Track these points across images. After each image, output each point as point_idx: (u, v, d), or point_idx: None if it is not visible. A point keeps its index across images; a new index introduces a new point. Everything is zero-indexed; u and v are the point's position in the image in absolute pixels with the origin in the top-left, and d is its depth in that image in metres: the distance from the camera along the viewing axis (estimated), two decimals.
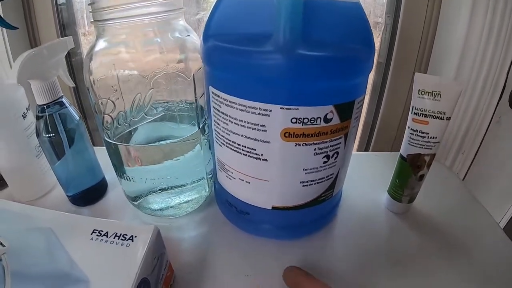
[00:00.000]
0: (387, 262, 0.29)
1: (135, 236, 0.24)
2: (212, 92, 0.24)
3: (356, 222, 0.33)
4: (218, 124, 0.25)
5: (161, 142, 0.29)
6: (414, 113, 0.29)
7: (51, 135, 0.32)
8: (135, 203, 0.33)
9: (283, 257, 0.29)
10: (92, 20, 0.26)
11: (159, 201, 0.32)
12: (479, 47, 0.36)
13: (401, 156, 0.31)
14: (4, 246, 0.26)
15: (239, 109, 0.22)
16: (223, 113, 0.24)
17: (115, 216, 0.35)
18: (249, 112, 0.22)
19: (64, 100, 0.33)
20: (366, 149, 0.53)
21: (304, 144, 0.23)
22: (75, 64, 0.55)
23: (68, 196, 0.37)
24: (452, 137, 0.41)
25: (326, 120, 0.23)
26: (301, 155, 0.24)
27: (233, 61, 0.22)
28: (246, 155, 0.24)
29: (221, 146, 0.26)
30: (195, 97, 0.28)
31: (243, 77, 0.22)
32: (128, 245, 0.24)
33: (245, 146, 0.24)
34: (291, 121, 0.22)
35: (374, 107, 0.49)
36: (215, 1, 0.24)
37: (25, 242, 0.26)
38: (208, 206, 0.34)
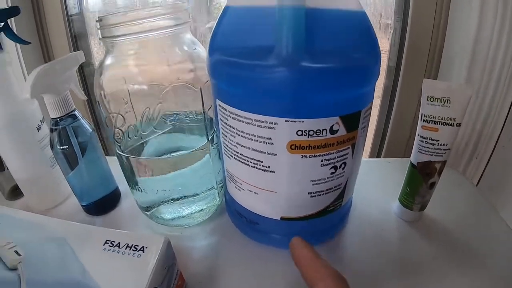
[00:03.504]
0: (398, 271, 0.28)
1: (146, 247, 0.25)
2: (219, 105, 0.25)
3: (367, 230, 0.32)
4: (226, 137, 0.26)
5: (171, 155, 0.29)
6: (424, 120, 0.29)
7: (65, 147, 0.33)
8: (147, 213, 0.34)
9: (293, 266, 0.29)
10: (101, 37, 0.27)
11: (170, 211, 0.32)
12: (490, 47, 0.35)
13: (411, 164, 0.31)
14: (20, 255, 0.27)
15: (245, 122, 0.23)
16: (230, 126, 0.24)
17: (128, 225, 0.36)
18: (255, 125, 0.22)
19: (76, 113, 0.35)
20: (378, 155, 0.52)
21: (310, 156, 0.23)
22: (88, 74, 0.56)
23: (82, 205, 0.38)
24: (465, 141, 0.40)
25: (332, 131, 0.23)
26: (308, 166, 0.24)
27: (237, 75, 0.22)
28: (253, 167, 0.25)
29: (229, 158, 0.26)
30: (203, 109, 0.28)
31: (247, 91, 0.22)
32: (139, 255, 0.24)
33: (252, 159, 0.24)
34: (297, 134, 0.22)
35: (385, 111, 0.49)
36: (219, 14, 0.25)
37: (40, 251, 0.27)
38: (219, 215, 0.35)
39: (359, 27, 0.23)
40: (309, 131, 0.22)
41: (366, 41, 0.23)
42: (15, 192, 0.44)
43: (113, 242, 0.26)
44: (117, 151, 0.30)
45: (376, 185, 0.38)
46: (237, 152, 0.25)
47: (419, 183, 0.31)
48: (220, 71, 0.24)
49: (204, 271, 0.29)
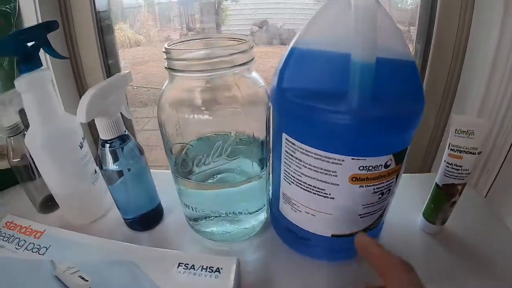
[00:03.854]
0: (428, 280, 0.33)
1: (221, 268, 0.27)
2: (286, 139, 0.28)
3: (396, 242, 0.36)
4: (290, 166, 0.29)
5: (222, 176, 0.32)
6: (451, 149, 0.33)
7: (114, 168, 0.34)
8: (195, 223, 0.36)
9: (338, 276, 0.33)
10: (166, 66, 0.29)
11: (220, 227, 0.35)
12: (508, 60, 0.39)
13: (437, 185, 0.36)
14: (87, 280, 0.28)
15: (314, 158, 0.26)
16: (296, 158, 0.28)
17: (174, 241, 0.38)
18: (323, 160, 0.26)
19: (127, 134, 0.36)
20: None
21: (366, 186, 0.27)
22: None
23: (126, 220, 0.40)
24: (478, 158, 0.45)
25: (386, 166, 0.27)
26: (362, 194, 0.28)
27: (310, 117, 0.25)
28: (315, 193, 0.28)
29: (290, 184, 0.30)
30: (266, 140, 0.31)
31: (319, 131, 0.25)
32: (216, 276, 0.27)
33: (315, 187, 0.28)
34: (359, 169, 0.26)
35: None
36: (286, 52, 0.28)
37: (108, 276, 0.28)
38: (265, 230, 0.38)
39: (411, 76, 0.26)
40: (368, 166, 0.26)
41: (416, 89, 0.26)
42: (47, 204, 0.44)
43: (187, 265, 0.28)
44: (179, 176, 0.32)
45: (400, 200, 0.42)
46: (300, 181, 0.28)
47: (443, 201, 0.35)
48: (291, 111, 0.27)
49: (257, 284, 0.32)
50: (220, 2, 0.65)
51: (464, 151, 0.33)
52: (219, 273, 0.27)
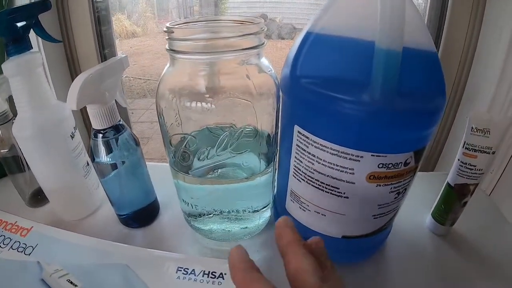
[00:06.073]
0: (437, 283, 0.32)
1: (225, 274, 0.25)
2: (299, 132, 0.26)
3: (403, 243, 0.35)
4: (301, 162, 0.27)
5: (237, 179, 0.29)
6: (466, 148, 0.32)
7: (107, 161, 0.32)
8: (194, 220, 0.33)
9: (345, 280, 0.31)
10: (167, 48, 0.26)
11: (220, 223, 0.33)
12: None
13: (449, 185, 0.34)
14: (76, 285, 0.26)
15: (330, 153, 0.24)
16: (309, 153, 0.25)
17: (173, 240, 0.35)
18: (340, 156, 0.24)
19: (122, 123, 0.33)
20: None
21: (384, 185, 0.25)
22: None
23: (120, 217, 0.37)
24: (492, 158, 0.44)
25: (406, 164, 0.25)
26: (379, 193, 0.26)
27: (328, 107, 0.23)
28: (328, 192, 0.26)
29: (299, 181, 0.28)
30: (275, 134, 0.29)
31: (337, 124, 0.23)
32: (220, 283, 0.24)
33: (328, 185, 0.26)
34: (378, 166, 0.24)
35: None
36: (301, 37, 0.25)
37: (100, 280, 0.26)
38: (267, 228, 0.36)
39: (434, 68, 0.24)
40: (388, 164, 0.24)
41: (439, 83, 0.25)
42: (37, 198, 0.42)
43: (186, 269, 0.25)
44: (178, 170, 0.30)
45: (407, 199, 0.41)
46: (312, 178, 0.26)
47: (455, 202, 0.34)
48: (307, 100, 0.24)
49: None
50: None
51: (479, 150, 0.32)
52: (223, 279, 0.25)
